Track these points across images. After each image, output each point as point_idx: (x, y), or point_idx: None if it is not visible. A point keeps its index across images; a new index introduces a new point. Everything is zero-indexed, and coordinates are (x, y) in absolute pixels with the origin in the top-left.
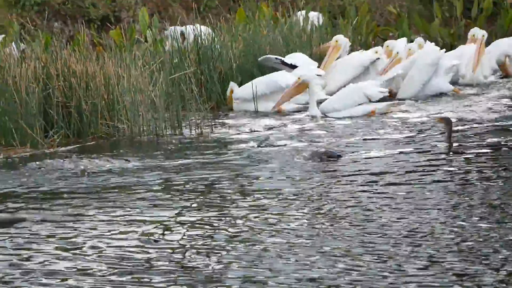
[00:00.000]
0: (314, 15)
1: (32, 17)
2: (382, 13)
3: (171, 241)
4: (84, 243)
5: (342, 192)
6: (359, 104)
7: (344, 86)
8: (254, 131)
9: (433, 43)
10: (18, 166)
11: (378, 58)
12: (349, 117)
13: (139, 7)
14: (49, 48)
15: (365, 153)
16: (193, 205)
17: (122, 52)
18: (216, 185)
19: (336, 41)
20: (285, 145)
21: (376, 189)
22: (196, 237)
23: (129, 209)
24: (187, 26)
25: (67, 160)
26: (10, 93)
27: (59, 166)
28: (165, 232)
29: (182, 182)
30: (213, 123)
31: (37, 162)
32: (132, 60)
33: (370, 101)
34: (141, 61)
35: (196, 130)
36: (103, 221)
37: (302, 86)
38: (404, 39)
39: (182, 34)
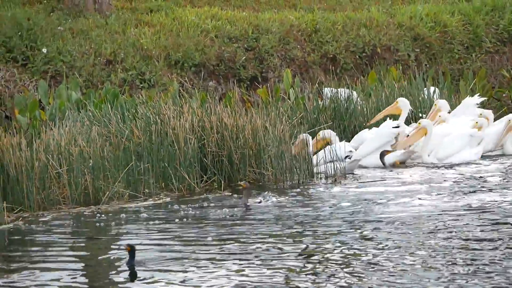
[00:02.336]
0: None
1: (190, 76)
2: (497, 76)
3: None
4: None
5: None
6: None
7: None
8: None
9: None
10: (172, 208)
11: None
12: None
13: (284, 69)
14: (204, 104)
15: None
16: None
17: (268, 108)
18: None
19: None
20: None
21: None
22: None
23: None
24: (328, 88)
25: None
26: (169, 143)
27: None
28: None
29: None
30: (346, 173)
31: (191, 206)
32: (277, 115)
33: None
34: (285, 116)
35: (331, 178)
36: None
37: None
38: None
39: (320, 93)
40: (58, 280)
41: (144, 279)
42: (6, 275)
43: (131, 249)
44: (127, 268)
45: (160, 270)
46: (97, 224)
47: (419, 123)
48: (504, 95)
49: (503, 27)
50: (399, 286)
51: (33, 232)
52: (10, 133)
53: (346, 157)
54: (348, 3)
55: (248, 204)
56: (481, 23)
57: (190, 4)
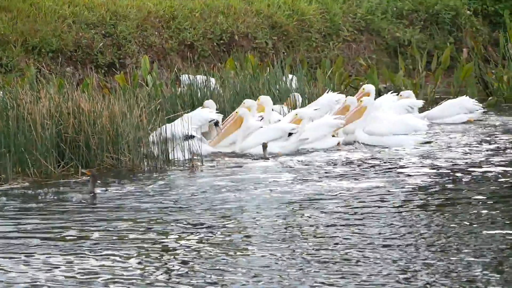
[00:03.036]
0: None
1: (47, 62)
2: (354, 64)
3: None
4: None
5: None
6: None
7: None
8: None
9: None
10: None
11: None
12: None
13: (141, 55)
14: (62, 90)
15: None
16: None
17: (126, 94)
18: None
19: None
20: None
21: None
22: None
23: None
24: (185, 75)
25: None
26: (26, 128)
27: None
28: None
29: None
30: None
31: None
32: (134, 101)
33: None
34: (143, 103)
35: (188, 163)
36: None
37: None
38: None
39: (178, 80)
40: None
41: None
42: None
43: None
44: None
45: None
46: None
47: (236, 111)
48: (361, 83)
49: (360, 16)
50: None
51: None
52: None
53: (190, 137)
54: None
55: (93, 192)
56: (338, 12)
57: None
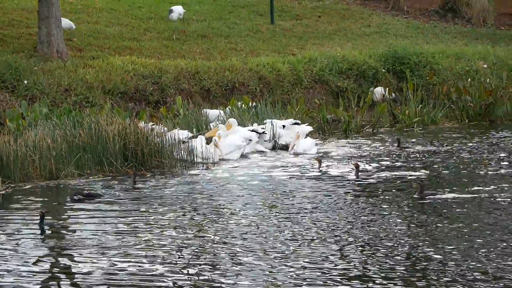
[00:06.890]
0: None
1: (117, 100)
2: (311, 103)
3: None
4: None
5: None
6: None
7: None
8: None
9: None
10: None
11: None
12: None
13: (177, 96)
14: (126, 117)
15: None
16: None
17: (167, 121)
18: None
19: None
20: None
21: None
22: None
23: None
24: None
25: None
26: (104, 141)
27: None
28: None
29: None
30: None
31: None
32: (172, 125)
33: None
34: (177, 126)
35: (205, 166)
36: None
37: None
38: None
39: (200, 112)
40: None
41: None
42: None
43: (42, 214)
44: (39, 227)
45: (65, 230)
46: (56, 190)
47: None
48: (315, 114)
49: (316, 72)
50: None
51: (17, 196)
52: (2, 134)
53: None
54: (218, 55)
55: (134, 187)
56: (301, 69)
57: (118, 54)
